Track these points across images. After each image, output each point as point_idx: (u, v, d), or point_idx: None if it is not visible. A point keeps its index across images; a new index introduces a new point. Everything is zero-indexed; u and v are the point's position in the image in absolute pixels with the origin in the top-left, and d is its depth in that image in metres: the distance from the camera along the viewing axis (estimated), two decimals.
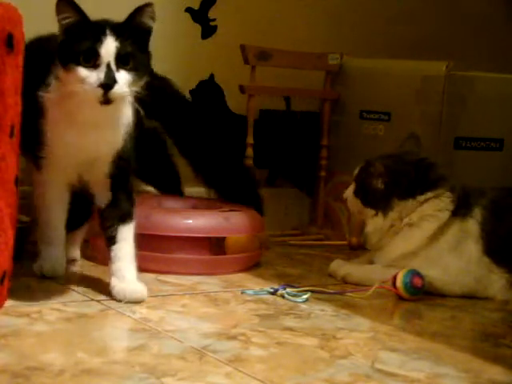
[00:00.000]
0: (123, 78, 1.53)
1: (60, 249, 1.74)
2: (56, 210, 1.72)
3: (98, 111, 1.57)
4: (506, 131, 2.32)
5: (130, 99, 1.62)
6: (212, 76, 2.41)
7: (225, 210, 2.04)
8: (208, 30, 2.39)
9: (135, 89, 1.56)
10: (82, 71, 1.51)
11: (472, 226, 1.90)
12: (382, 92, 2.36)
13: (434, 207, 1.92)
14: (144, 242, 1.73)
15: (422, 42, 2.67)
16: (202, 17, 2.38)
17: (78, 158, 1.64)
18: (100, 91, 1.51)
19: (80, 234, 1.94)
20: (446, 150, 2.24)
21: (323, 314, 1.67)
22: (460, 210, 1.92)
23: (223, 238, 1.98)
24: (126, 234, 1.67)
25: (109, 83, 1.50)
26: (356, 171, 2.00)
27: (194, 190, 2.28)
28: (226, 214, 1.99)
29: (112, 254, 1.66)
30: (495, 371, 1.39)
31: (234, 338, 1.46)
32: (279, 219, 2.48)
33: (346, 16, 2.61)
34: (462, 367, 1.40)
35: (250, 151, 2.33)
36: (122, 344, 1.39)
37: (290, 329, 1.54)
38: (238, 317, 1.61)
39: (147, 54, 1.59)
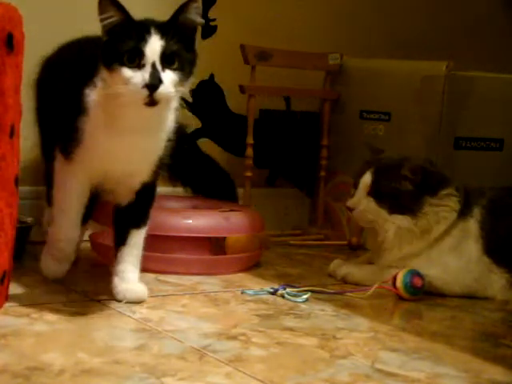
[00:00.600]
0: (169, 78, 1.47)
1: (70, 250, 1.70)
2: (75, 203, 1.66)
3: (142, 114, 1.52)
4: (506, 131, 2.32)
5: (175, 104, 1.58)
6: (212, 76, 2.41)
7: (225, 210, 2.04)
8: (208, 30, 2.39)
9: (181, 89, 1.51)
10: (127, 71, 1.46)
11: (472, 225, 1.90)
12: (382, 92, 2.36)
13: (444, 208, 1.90)
14: (144, 241, 1.72)
15: (422, 42, 2.67)
16: (202, 17, 2.38)
17: (115, 167, 1.60)
18: (145, 92, 1.46)
19: (81, 233, 1.93)
20: (445, 150, 2.24)
21: (323, 313, 1.67)
22: (462, 210, 1.91)
23: (223, 238, 1.98)
24: (137, 239, 1.65)
25: (154, 84, 1.45)
26: (368, 178, 1.91)
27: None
28: (225, 213, 1.99)
29: (118, 254, 1.65)
30: (495, 371, 1.39)
31: (234, 337, 1.46)
32: (279, 219, 2.48)
33: (346, 16, 2.61)
34: (462, 367, 1.40)
35: (250, 151, 2.33)
36: (122, 344, 1.39)
37: (290, 329, 1.54)
38: (238, 317, 1.61)
39: (193, 53, 1.54)
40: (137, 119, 1.54)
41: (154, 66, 1.46)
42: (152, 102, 1.47)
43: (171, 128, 1.62)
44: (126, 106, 1.51)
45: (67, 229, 1.68)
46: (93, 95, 1.55)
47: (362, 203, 1.92)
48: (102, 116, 1.55)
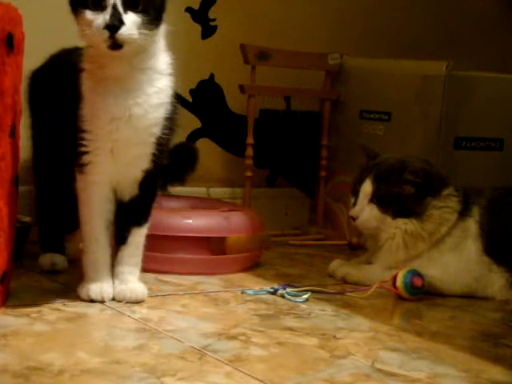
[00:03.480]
0: (131, 19, 1.48)
1: (107, 270, 1.64)
2: (101, 220, 1.62)
3: (117, 61, 1.52)
4: (506, 131, 2.32)
5: (165, 65, 1.58)
6: (212, 76, 2.42)
7: (225, 210, 2.04)
8: (208, 30, 2.39)
9: (145, 32, 1.49)
10: (89, 14, 1.47)
11: (471, 225, 1.90)
12: (382, 92, 2.36)
13: (446, 209, 1.90)
14: (145, 240, 1.72)
15: (422, 42, 2.67)
16: (202, 17, 2.38)
17: (119, 134, 1.56)
18: (106, 33, 1.47)
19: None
20: (446, 150, 2.24)
21: (323, 313, 1.67)
22: (462, 210, 1.91)
23: (223, 238, 1.98)
24: (138, 238, 1.65)
25: (114, 24, 1.46)
26: (369, 186, 1.90)
27: (195, 190, 2.28)
28: (225, 213, 1.99)
29: (119, 254, 1.65)
30: (495, 371, 1.39)
31: (234, 337, 1.46)
32: (279, 219, 2.49)
33: (347, 16, 2.61)
34: (462, 367, 1.40)
35: (249, 151, 2.33)
36: (121, 344, 1.39)
37: (290, 329, 1.54)
38: (238, 317, 1.61)
39: None
40: (116, 68, 1.53)
41: (114, 7, 1.47)
42: (114, 44, 1.48)
43: (167, 94, 1.59)
44: (103, 55, 1.51)
45: (100, 247, 1.63)
46: (82, 75, 1.56)
47: (365, 211, 1.91)
48: (91, 82, 1.55)
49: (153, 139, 1.60)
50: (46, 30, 2.00)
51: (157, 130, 1.60)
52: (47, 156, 1.80)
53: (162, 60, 1.59)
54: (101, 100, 1.55)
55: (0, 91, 1.44)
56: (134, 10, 1.49)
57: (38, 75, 1.84)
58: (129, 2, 1.48)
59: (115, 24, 1.47)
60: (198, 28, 2.38)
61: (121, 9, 1.47)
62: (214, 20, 2.39)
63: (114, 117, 1.55)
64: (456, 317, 1.73)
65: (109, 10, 1.47)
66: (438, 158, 2.14)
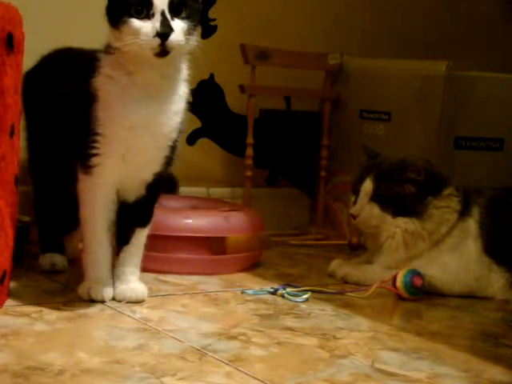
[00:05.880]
0: (179, 26, 1.49)
1: (107, 270, 1.64)
2: (103, 221, 1.61)
3: (154, 68, 1.51)
4: (506, 131, 2.32)
5: (185, 73, 1.59)
6: (212, 76, 2.42)
7: (225, 209, 2.04)
8: (208, 30, 2.39)
9: (190, 38, 1.51)
10: (136, 22, 1.46)
11: (471, 225, 1.90)
12: (382, 92, 2.36)
13: (447, 210, 1.90)
14: (147, 240, 1.72)
15: (422, 42, 2.67)
16: (202, 17, 2.38)
17: (136, 140, 1.55)
18: (157, 41, 1.46)
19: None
20: (446, 150, 2.24)
21: (323, 313, 1.67)
22: (462, 210, 1.92)
23: (223, 238, 1.98)
24: (140, 239, 1.65)
25: (166, 32, 1.46)
26: (369, 184, 1.91)
27: (195, 190, 2.28)
28: (225, 213, 1.99)
29: (121, 255, 1.65)
30: (495, 371, 1.39)
31: (234, 337, 1.46)
32: (279, 219, 2.48)
33: (347, 16, 2.61)
34: (462, 367, 1.40)
35: (249, 151, 2.34)
36: (121, 344, 1.39)
37: (290, 329, 1.54)
38: (238, 317, 1.61)
39: (198, 2, 1.55)
40: (147, 75, 1.53)
41: (163, 14, 1.47)
42: (163, 51, 1.48)
43: (185, 100, 1.60)
44: (136, 62, 1.51)
45: (101, 247, 1.63)
46: (98, 79, 1.54)
47: (366, 209, 1.92)
48: (112, 88, 1.53)
49: (170, 143, 1.61)
50: (46, 30, 2.00)
51: (175, 135, 1.61)
52: (44, 157, 1.80)
53: (184, 67, 1.60)
54: (121, 106, 1.53)
55: (0, 91, 1.44)
56: (179, 16, 1.50)
57: (31, 77, 1.83)
58: (175, 8, 1.49)
59: (167, 32, 1.47)
60: (197, 28, 2.37)
61: (168, 16, 1.48)
62: (214, 20, 2.39)
63: (133, 124, 1.54)
64: (456, 317, 1.74)
65: (158, 18, 1.47)
66: (438, 158, 2.14)
